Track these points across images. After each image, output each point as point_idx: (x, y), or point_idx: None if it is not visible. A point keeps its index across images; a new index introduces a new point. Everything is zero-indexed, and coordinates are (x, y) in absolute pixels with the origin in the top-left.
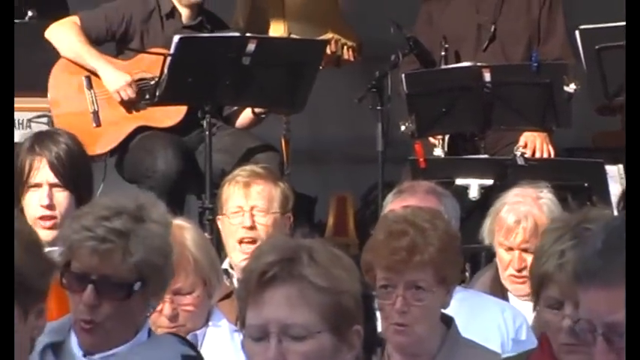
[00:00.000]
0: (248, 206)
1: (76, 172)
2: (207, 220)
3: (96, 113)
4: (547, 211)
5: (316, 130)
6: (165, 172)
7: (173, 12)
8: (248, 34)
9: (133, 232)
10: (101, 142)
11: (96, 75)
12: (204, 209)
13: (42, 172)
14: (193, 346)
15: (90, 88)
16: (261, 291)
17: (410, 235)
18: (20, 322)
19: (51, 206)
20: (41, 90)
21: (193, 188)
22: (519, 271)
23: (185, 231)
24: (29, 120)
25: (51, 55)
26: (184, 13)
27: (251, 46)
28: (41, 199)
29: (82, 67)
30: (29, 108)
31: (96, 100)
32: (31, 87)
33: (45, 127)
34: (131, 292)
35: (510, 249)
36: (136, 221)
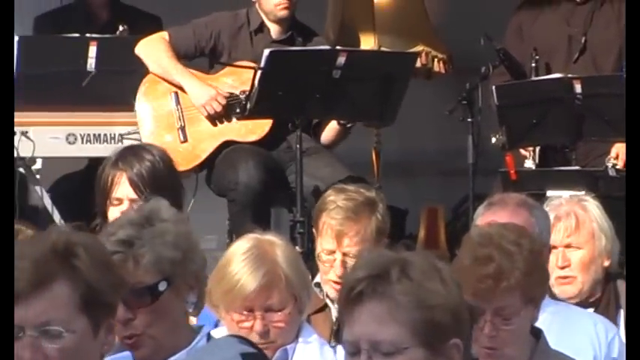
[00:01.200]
0: (340, 254)
1: (161, 187)
2: (299, 234)
3: (182, 129)
4: (591, 210)
5: (407, 142)
6: (247, 184)
7: (262, 27)
8: (338, 47)
9: (136, 238)
10: (187, 158)
11: (183, 91)
12: (295, 222)
13: (122, 187)
14: (254, 344)
15: (177, 103)
16: (351, 307)
17: (496, 260)
18: (91, 338)
19: None
20: (132, 105)
21: (283, 201)
22: (562, 268)
23: (276, 248)
24: (121, 135)
25: (141, 70)
26: (273, 28)
27: (341, 59)
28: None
29: (169, 82)
30: (121, 122)
31: (183, 116)
32: (123, 101)
33: (137, 142)
34: (158, 294)
35: (554, 247)
36: (142, 227)
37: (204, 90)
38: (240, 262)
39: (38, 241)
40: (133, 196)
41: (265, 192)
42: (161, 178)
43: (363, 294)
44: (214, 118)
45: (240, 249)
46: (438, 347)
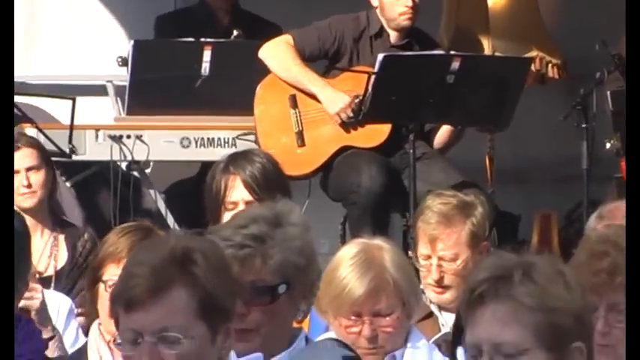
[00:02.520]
0: (435, 258)
1: (272, 189)
2: (412, 239)
3: (300, 133)
4: None
5: (520, 148)
6: (369, 188)
7: (381, 32)
8: (452, 52)
9: (269, 236)
10: (305, 163)
11: (303, 94)
12: (408, 227)
13: (237, 190)
14: (352, 349)
15: (294, 107)
16: (473, 309)
17: (611, 255)
18: (209, 343)
19: None
20: (246, 109)
21: (398, 206)
22: None
23: (384, 252)
24: (234, 138)
25: (255, 74)
26: (392, 34)
27: (455, 64)
28: None
29: (294, 87)
30: (234, 127)
31: (300, 119)
32: (236, 106)
33: (252, 145)
34: (277, 296)
35: None
36: (274, 226)
37: (339, 97)
38: (348, 266)
39: (157, 247)
40: (249, 198)
41: (385, 196)
42: (272, 180)
43: (485, 295)
44: (341, 125)
45: (348, 254)
46: (560, 350)
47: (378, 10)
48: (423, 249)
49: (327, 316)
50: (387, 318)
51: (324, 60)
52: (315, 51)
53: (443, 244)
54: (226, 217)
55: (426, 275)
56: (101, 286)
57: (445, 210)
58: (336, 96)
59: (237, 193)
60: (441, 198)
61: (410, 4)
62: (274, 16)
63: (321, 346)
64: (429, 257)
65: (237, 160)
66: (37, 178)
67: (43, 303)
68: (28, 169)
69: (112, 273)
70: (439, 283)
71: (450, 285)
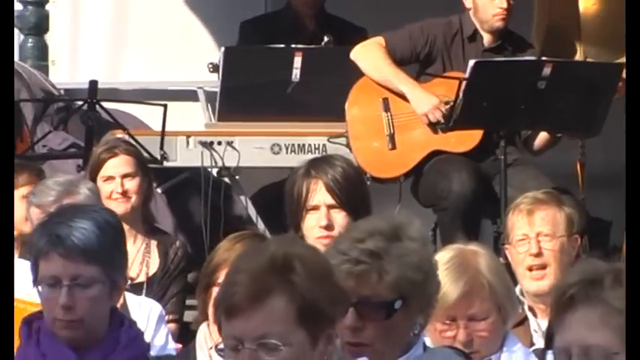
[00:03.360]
0: (533, 233)
1: (353, 193)
2: (502, 245)
3: (392, 136)
4: None
5: (612, 153)
6: (460, 193)
7: (475, 35)
8: (544, 58)
9: (385, 252)
10: (395, 165)
11: (398, 97)
12: (499, 234)
13: (319, 194)
14: (468, 356)
15: (387, 110)
16: (563, 313)
17: None
18: (309, 350)
19: (329, 227)
20: (336, 115)
21: (489, 213)
22: None
23: (479, 257)
24: (329, 139)
25: (345, 80)
26: (486, 37)
27: (547, 70)
28: (320, 220)
29: (386, 88)
30: (324, 133)
31: (392, 122)
32: (327, 112)
33: (343, 148)
34: (392, 311)
35: None
36: (391, 241)
37: (427, 98)
38: (442, 270)
39: (257, 255)
40: (331, 201)
41: (476, 202)
42: (354, 184)
43: (575, 299)
44: (428, 128)
45: (443, 258)
46: None
47: (471, 12)
48: (519, 229)
49: None
50: (483, 322)
51: (416, 65)
52: (407, 53)
53: (541, 220)
54: (307, 220)
55: (523, 259)
56: (214, 290)
57: (540, 195)
58: (425, 96)
59: (319, 197)
60: (531, 193)
61: (504, 5)
62: (360, 20)
63: (440, 353)
64: (525, 238)
65: (318, 164)
66: (132, 185)
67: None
68: (124, 176)
69: None
70: (538, 258)
71: (548, 264)
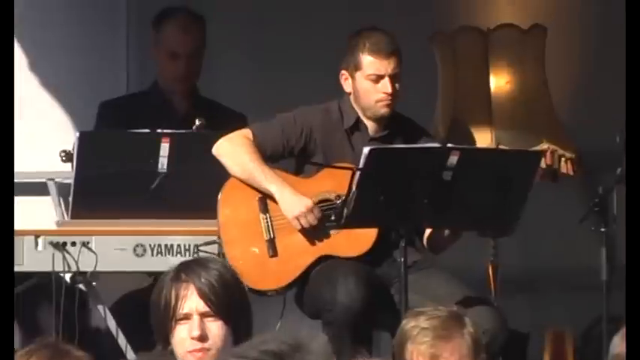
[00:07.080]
0: None
1: (230, 300)
2: None
3: (272, 241)
4: None
5: (529, 255)
6: (346, 305)
7: (358, 124)
8: (449, 145)
9: (288, 356)
10: (277, 275)
11: (272, 197)
12: None
13: (190, 300)
14: None
15: (265, 211)
16: None
17: None
18: None
19: (203, 337)
20: (210, 210)
21: (386, 324)
22: None
23: None
24: (197, 246)
25: (220, 171)
26: (370, 125)
27: (453, 159)
28: (192, 331)
29: (255, 189)
30: (197, 231)
31: (272, 225)
32: (198, 207)
33: (213, 256)
34: None
35: None
36: (294, 349)
37: (298, 200)
38: None
39: None
40: (204, 309)
41: (367, 313)
42: (232, 290)
43: None
44: (309, 231)
45: None
46: None
47: (351, 98)
48: None
49: None
50: None
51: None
52: (279, 147)
53: None
54: (178, 332)
55: None
56: None
57: (438, 323)
58: (294, 198)
59: (191, 304)
60: (424, 314)
61: (389, 90)
62: (237, 105)
63: None
64: None
65: (190, 266)
66: None
67: None
68: None
69: None
70: None
71: None
